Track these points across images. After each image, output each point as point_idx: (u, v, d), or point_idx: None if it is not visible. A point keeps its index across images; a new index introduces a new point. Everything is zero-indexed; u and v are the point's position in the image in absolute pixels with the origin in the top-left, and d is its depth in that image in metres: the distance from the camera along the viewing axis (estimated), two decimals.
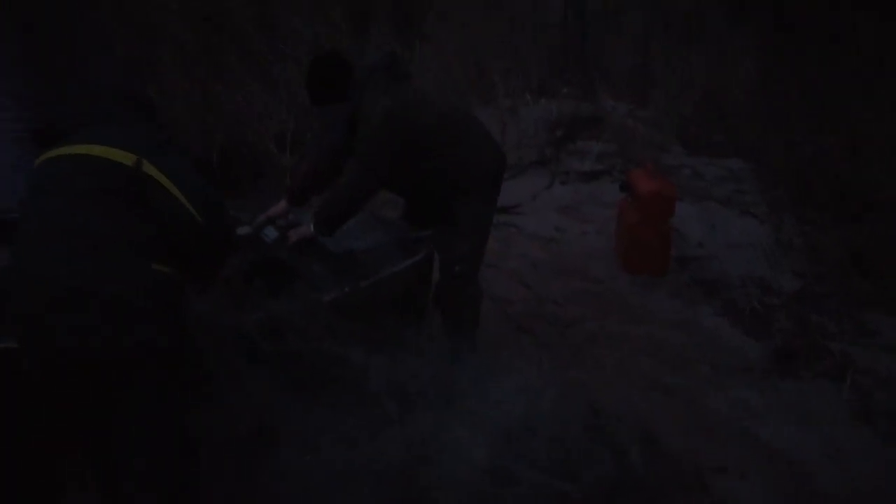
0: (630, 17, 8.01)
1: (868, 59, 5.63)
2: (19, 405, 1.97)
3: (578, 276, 3.83)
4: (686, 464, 2.47)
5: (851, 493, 2.39)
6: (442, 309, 2.87)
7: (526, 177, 5.21)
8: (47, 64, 10.05)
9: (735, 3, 7.67)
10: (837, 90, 5.54)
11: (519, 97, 6.11)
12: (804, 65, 6.18)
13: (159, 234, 1.80)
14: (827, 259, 3.92)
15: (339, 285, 2.53)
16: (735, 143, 5.85)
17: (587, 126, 5.94)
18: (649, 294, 3.66)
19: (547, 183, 5.09)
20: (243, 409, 2.38)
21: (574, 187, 5.01)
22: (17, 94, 8.83)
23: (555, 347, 3.15)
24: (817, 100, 5.70)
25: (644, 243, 3.75)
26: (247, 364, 2.32)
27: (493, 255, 4.01)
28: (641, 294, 3.66)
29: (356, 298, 2.51)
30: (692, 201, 4.64)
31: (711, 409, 2.78)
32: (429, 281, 2.95)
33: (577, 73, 7.06)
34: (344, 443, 2.43)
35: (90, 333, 1.66)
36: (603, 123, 5.93)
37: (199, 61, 5.98)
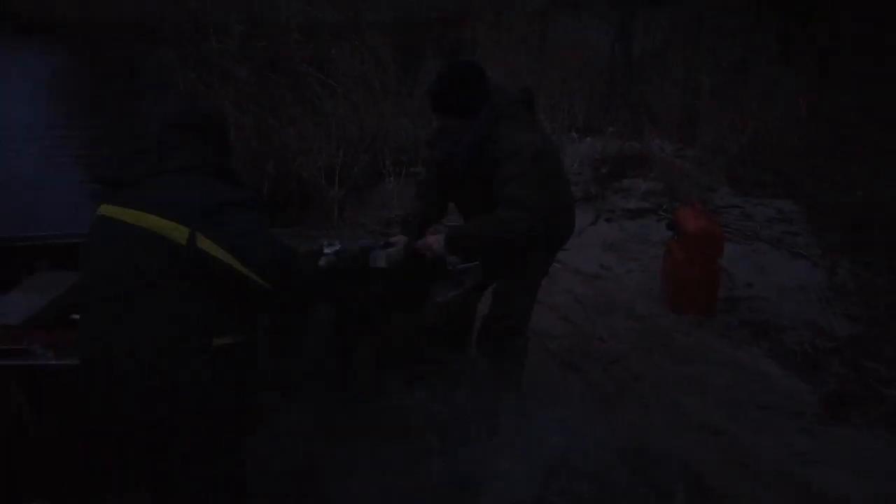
0: (677, 57, 8.04)
1: None
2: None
3: (623, 313, 3.80)
4: None
5: None
6: (487, 355, 2.79)
7: None
8: (109, 93, 10.59)
9: (783, 43, 7.64)
10: (891, 130, 5.43)
11: (564, 134, 6.16)
12: (855, 104, 6.09)
13: (222, 307, 1.76)
14: (882, 303, 3.81)
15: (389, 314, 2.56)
16: (785, 184, 5.77)
17: (633, 164, 5.94)
18: (696, 334, 3.60)
19: (592, 220, 5.09)
20: (287, 440, 2.42)
21: (619, 225, 5.00)
22: (79, 118, 9.34)
23: (599, 384, 3.13)
24: (870, 140, 5.59)
25: (691, 282, 3.71)
26: (289, 395, 2.38)
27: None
28: (688, 333, 3.60)
29: (406, 328, 2.54)
30: (741, 242, 4.58)
31: (759, 452, 2.71)
32: (474, 312, 2.97)
33: (623, 112, 7.09)
34: (386, 473, 2.45)
35: (153, 408, 1.73)
36: (649, 162, 5.92)
37: (255, 97, 6.21)
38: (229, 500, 1.89)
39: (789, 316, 3.78)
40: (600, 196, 5.48)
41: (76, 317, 2.69)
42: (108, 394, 1.78)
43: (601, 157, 6.03)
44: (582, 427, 2.68)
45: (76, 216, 5.77)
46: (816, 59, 7.25)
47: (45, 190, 6.47)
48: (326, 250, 3.23)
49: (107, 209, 1.84)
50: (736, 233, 4.67)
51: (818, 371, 3.29)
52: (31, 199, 6.10)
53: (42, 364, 2.12)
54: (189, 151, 1.86)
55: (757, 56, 7.57)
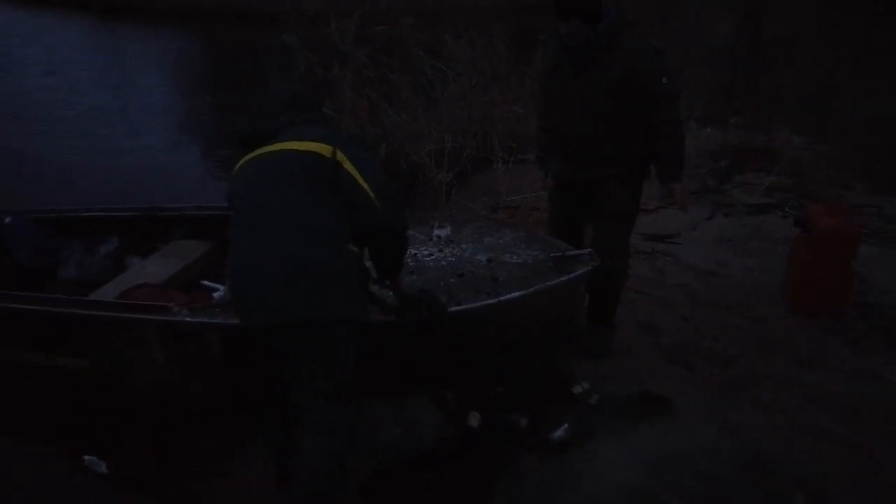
0: (810, 45, 7.52)
1: None
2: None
3: (740, 312, 3.61)
4: None
5: None
6: (597, 296, 3.06)
7: None
8: (237, 76, 11.20)
9: None
10: None
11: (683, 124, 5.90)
12: None
13: (348, 217, 2.03)
14: None
15: (480, 296, 2.56)
16: None
17: (756, 157, 5.62)
18: (821, 339, 3.37)
19: (708, 214, 4.86)
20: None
21: (739, 220, 4.74)
22: (209, 99, 9.94)
23: (711, 384, 2.99)
24: None
25: (819, 284, 3.46)
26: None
27: (646, 283, 3.90)
28: (812, 338, 3.37)
29: (502, 310, 2.52)
30: (877, 244, 4.24)
31: (890, 468, 2.50)
32: (582, 298, 2.92)
33: (747, 102, 6.71)
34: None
35: (304, 302, 1.92)
36: (775, 156, 5.58)
37: (371, 80, 6.36)
38: (353, 407, 2.02)
39: None
40: (717, 189, 5.23)
41: (206, 283, 2.91)
42: (259, 298, 1.95)
43: (721, 149, 5.75)
44: (694, 425, 2.59)
45: (204, 190, 6.18)
46: None
47: (179, 165, 6.96)
48: (437, 232, 3.29)
49: (257, 152, 2.14)
50: (872, 234, 4.32)
51: None
52: (167, 173, 6.59)
53: (179, 320, 2.29)
54: (311, 113, 2.31)
55: None
